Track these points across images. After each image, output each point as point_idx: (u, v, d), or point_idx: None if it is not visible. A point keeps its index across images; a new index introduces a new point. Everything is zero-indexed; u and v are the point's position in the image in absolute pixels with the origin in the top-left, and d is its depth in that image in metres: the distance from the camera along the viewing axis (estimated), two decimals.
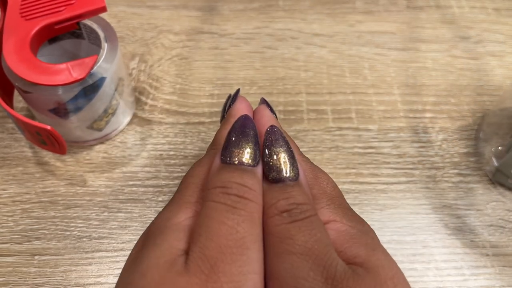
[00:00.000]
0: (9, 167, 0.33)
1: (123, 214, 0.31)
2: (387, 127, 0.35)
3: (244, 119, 0.20)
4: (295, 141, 0.25)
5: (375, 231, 0.20)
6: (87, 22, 0.30)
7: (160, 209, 0.31)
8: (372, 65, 0.39)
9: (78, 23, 0.29)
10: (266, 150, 0.19)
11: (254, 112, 0.24)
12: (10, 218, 0.31)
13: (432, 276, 0.29)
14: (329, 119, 0.36)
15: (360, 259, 0.17)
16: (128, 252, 0.29)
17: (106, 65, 0.29)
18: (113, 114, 0.32)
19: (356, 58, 0.39)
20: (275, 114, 0.24)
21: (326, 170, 0.32)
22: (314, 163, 0.22)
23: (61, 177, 0.32)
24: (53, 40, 0.31)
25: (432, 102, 0.37)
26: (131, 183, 0.32)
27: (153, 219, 0.22)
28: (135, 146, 0.34)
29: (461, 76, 0.39)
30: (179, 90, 0.37)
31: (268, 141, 0.20)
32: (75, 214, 0.31)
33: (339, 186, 0.22)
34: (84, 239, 0.30)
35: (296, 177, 0.19)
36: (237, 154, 0.19)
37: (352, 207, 0.21)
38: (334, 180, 0.22)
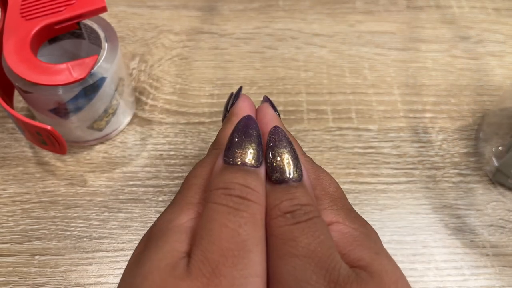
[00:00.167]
0: (9, 167, 0.33)
1: (123, 214, 0.31)
2: (387, 127, 0.35)
3: (247, 119, 0.20)
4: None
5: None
6: (87, 22, 0.30)
7: (161, 209, 0.31)
8: (372, 65, 0.39)
9: (78, 23, 0.29)
10: (270, 151, 0.19)
11: (257, 111, 0.24)
12: (10, 218, 0.31)
13: (432, 276, 0.29)
14: (329, 119, 0.36)
15: (364, 263, 0.17)
16: (129, 252, 0.29)
17: (106, 65, 0.29)
18: (113, 114, 0.32)
19: (356, 58, 0.39)
20: (278, 113, 0.24)
21: (326, 170, 0.32)
22: None
23: (61, 177, 0.32)
24: (53, 40, 0.31)
25: (432, 102, 0.37)
26: (131, 183, 0.32)
27: (153, 219, 0.22)
28: (135, 146, 0.34)
29: (461, 76, 0.39)
30: (179, 90, 0.37)
31: (271, 142, 0.19)
32: (75, 214, 0.31)
33: None
34: (85, 239, 0.30)
35: (299, 178, 0.19)
36: (240, 155, 0.18)
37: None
38: None
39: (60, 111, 0.29)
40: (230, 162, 0.18)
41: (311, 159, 0.22)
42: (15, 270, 0.29)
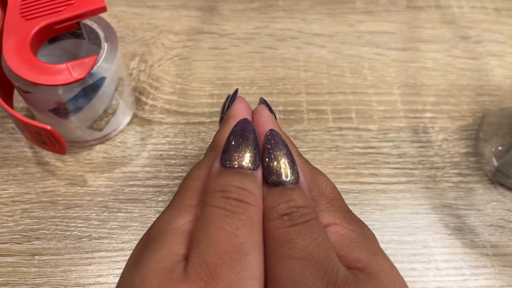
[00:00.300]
0: (9, 167, 0.33)
1: (123, 214, 0.31)
2: (387, 127, 0.35)
3: (244, 122, 0.20)
4: (294, 142, 0.25)
5: (375, 231, 0.20)
6: (87, 22, 0.30)
7: (161, 209, 0.31)
8: (372, 65, 0.39)
9: (78, 23, 0.29)
10: (266, 154, 0.19)
11: (253, 112, 0.24)
12: (10, 218, 0.31)
13: (432, 276, 0.29)
14: (329, 119, 0.36)
15: (361, 264, 0.17)
16: (129, 252, 0.29)
17: (106, 65, 0.29)
18: (113, 114, 0.32)
19: (356, 58, 0.39)
20: (274, 114, 0.24)
21: (326, 170, 0.32)
22: (314, 163, 0.22)
23: (61, 177, 0.32)
24: (53, 40, 0.31)
25: (432, 102, 0.37)
26: (131, 183, 0.32)
27: (153, 219, 0.22)
28: (135, 146, 0.34)
29: (461, 76, 0.39)
30: (179, 90, 0.37)
31: (267, 145, 0.19)
32: (75, 214, 0.31)
33: (339, 186, 0.22)
34: (84, 239, 0.30)
35: (296, 180, 0.19)
36: (237, 158, 0.18)
37: (352, 207, 0.21)
38: (334, 180, 0.22)
39: (60, 111, 0.29)
40: (227, 165, 0.18)
41: (307, 161, 0.22)
42: (15, 270, 0.29)
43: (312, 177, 0.21)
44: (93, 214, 0.31)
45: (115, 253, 0.30)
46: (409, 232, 0.31)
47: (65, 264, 0.29)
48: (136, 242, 0.19)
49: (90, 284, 0.28)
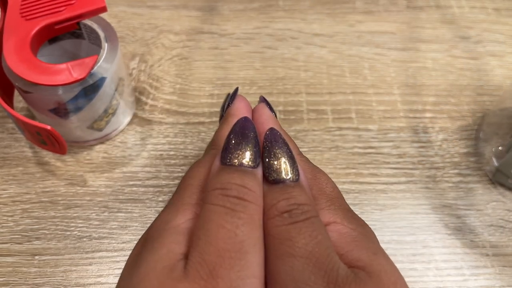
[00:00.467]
0: (9, 167, 0.33)
1: (123, 214, 0.31)
2: (387, 127, 0.35)
3: (244, 121, 0.20)
4: (295, 141, 0.25)
5: (375, 231, 0.20)
6: (87, 22, 0.30)
7: (161, 209, 0.31)
8: (372, 65, 0.39)
9: (78, 23, 0.29)
10: (266, 152, 0.19)
11: (253, 111, 0.24)
12: (10, 218, 0.31)
13: (432, 276, 0.29)
14: (329, 119, 0.36)
15: (362, 263, 0.17)
16: (129, 252, 0.29)
17: (106, 65, 0.29)
18: (113, 114, 0.32)
19: (356, 58, 0.39)
20: (275, 113, 0.24)
21: (326, 170, 0.32)
22: (314, 163, 0.22)
23: (61, 177, 0.32)
24: (53, 40, 0.31)
25: (432, 102, 0.37)
26: (131, 183, 0.32)
27: (153, 219, 0.22)
28: (135, 146, 0.34)
29: (461, 76, 0.39)
30: (179, 90, 0.37)
31: (268, 143, 0.19)
32: (75, 214, 0.31)
33: (339, 186, 0.22)
34: (84, 239, 0.30)
35: (296, 178, 0.19)
36: (237, 156, 0.18)
37: (352, 207, 0.21)
38: (334, 180, 0.22)
39: (60, 111, 0.29)
40: (227, 163, 0.18)
41: (307, 159, 0.22)
42: (15, 270, 0.29)
43: (312, 176, 0.21)
44: (93, 214, 0.31)
45: (115, 253, 0.30)
46: (409, 232, 0.31)
47: (65, 264, 0.29)
48: (136, 242, 0.19)
49: (90, 284, 0.28)
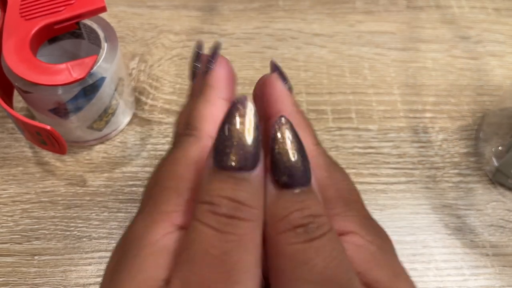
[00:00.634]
0: (9, 167, 0.33)
1: (123, 214, 0.31)
2: (387, 127, 0.35)
3: (242, 104, 0.15)
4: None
5: None
6: (87, 22, 0.30)
7: None
8: (372, 65, 0.39)
9: (78, 23, 0.29)
10: (275, 148, 0.15)
11: (263, 84, 0.19)
12: (10, 218, 0.31)
13: (432, 276, 0.29)
14: (329, 119, 0.36)
15: (381, 286, 0.15)
16: None
17: (106, 65, 0.29)
18: (113, 114, 0.32)
19: (356, 58, 0.39)
20: (290, 85, 0.20)
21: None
22: None
23: (61, 177, 0.32)
24: (53, 40, 0.31)
25: (432, 102, 0.37)
26: (131, 183, 0.32)
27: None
28: (135, 146, 0.34)
29: (461, 76, 0.39)
30: (179, 90, 0.37)
31: (277, 136, 0.15)
32: (75, 214, 0.31)
33: None
34: (84, 239, 0.30)
35: (309, 181, 0.15)
36: (233, 157, 0.14)
37: None
38: None
39: (60, 111, 0.29)
40: (219, 166, 0.15)
41: (324, 151, 0.18)
42: (15, 270, 0.29)
43: (328, 174, 0.17)
44: (93, 214, 0.31)
45: None
46: (409, 232, 0.31)
47: (65, 264, 0.29)
48: (111, 255, 0.17)
49: (90, 284, 0.28)
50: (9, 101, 0.32)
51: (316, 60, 0.39)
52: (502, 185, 0.33)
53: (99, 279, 0.29)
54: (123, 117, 0.34)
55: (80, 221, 0.31)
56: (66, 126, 0.31)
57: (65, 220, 0.31)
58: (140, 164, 0.33)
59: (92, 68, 0.27)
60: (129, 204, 0.31)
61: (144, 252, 0.15)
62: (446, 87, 0.38)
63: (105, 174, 0.33)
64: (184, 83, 0.37)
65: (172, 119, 0.35)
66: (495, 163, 0.33)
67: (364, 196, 0.33)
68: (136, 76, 0.38)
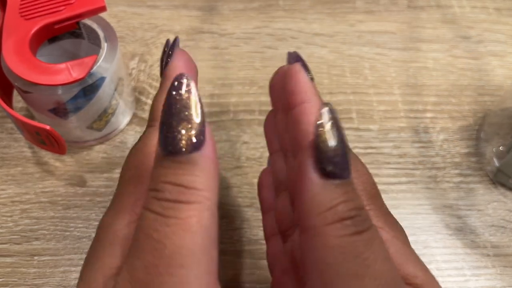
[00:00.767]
0: (8, 167, 0.33)
1: None
2: (388, 127, 0.35)
3: (178, 84, 0.15)
4: None
5: None
6: (87, 21, 0.30)
7: None
8: (372, 65, 0.39)
9: (77, 23, 0.29)
10: (322, 136, 0.15)
11: (285, 75, 0.19)
12: (9, 219, 0.31)
13: None
14: None
15: (419, 281, 0.15)
16: None
17: (106, 65, 0.29)
18: (113, 114, 0.32)
19: (357, 58, 0.39)
20: (311, 75, 0.19)
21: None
22: None
23: (60, 177, 0.32)
24: (52, 40, 0.31)
25: (433, 102, 0.37)
26: None
27: None
28: None
29: (462, 76, 0.38)
30: None
31: (324, 125, 0.15)
32: (74, 215, 0.31)
33: None
34: (84, 240, 0.30)
35: (350, 173, 0.15)
36: (171, 138, 0.14)
37: None
38: None
39: (60, 111, 0.29)
40: (165, 151, 0.14)
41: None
42: (14, 271, 0.29)
43: (354, 168, 0.17)
44: (93, 215, 0.31)
45: None
46: (410, 232, 0.31)
47: (65, 264, 0.29)
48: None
49: None
50: (8, 101, 0.32)
51: (316, 60, 0.39)
52: (503, 185, 0.33)
53: None
54: (123, 117, 0.34)
55: (80, 221, 0.31)
56: (66, 126, 0.31)
57: (65, 221, 0.31)
58: None
59: (92, 68, 0.27)
60: None
61: (104, 242, 0.15)
62: (447, 87, 0.38)
63: (105, 175, 0.32)
64: None
65: None
66: (496, 163, 0.32)
67: None
68: (136, 76, 0.38)
